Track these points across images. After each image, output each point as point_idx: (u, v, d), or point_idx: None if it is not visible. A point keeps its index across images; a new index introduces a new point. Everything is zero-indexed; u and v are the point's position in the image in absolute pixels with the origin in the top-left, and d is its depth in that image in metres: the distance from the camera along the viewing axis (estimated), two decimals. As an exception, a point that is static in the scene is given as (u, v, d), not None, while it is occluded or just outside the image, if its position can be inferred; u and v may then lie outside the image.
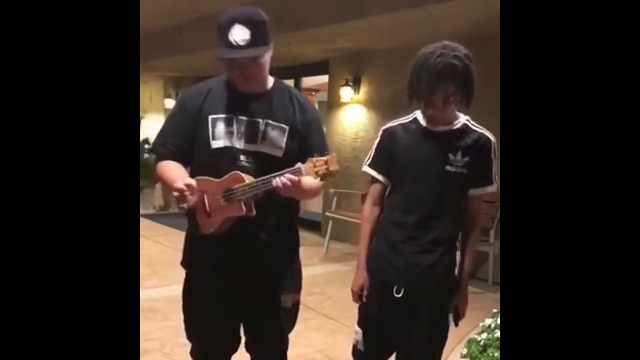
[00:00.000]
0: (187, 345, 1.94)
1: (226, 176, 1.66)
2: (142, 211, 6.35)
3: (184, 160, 1.77)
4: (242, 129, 1.71)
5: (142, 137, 7.33)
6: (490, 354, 2.60)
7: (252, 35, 1.59)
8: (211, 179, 1.69)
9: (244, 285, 1.80)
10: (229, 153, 1.71)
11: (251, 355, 1.95)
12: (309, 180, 1.58)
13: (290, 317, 1.90)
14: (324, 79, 6.64)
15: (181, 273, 1.91)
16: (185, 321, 1.91)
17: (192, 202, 1.64)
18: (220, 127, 1.71)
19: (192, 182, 1.63)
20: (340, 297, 4.09)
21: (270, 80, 1.79)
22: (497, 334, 2.65)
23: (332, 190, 5.73)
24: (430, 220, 1.80)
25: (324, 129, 7.31)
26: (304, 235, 6.31)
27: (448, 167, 1.77)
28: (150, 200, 7.64)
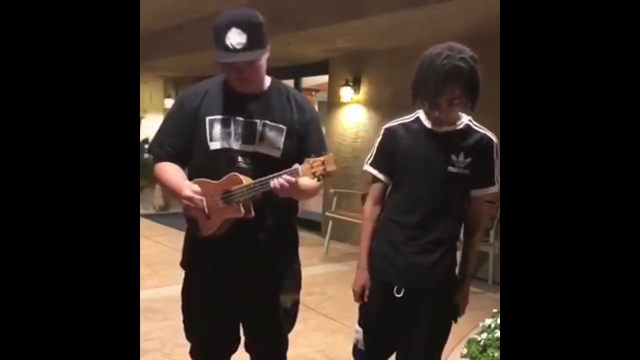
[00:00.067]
0: (187, 345, 1.94)
1: (224, 178, 1.67)
2: (142, 211, 6.35)
3: (182, 161, 1.77)
4: (240, 129, 1.71)
5: (142, 137, 7.33)
6: (490, 354, 2.60)
7: (249, 38, 1.59)
8: (209, 180, 1.69)
9: (243, 285, 1.80)
10: (226, 154, 1.71)
11: (251, 356, 1.95)
12: (307, 181, 1.58)
13: (289, 317, 1.90)
14: (324, 79, 6.64)
15: (181, 273, 1.91)
16: (184, 321, 1.91)
17: (201, 207, 1.65)
18: (218, 128, 1.71)
19: (198, 188, 1.65)
20: (340, 297, 4.09)
21: (268, 80, 1.78)
22: (497, 334, 2.65)
23: (332, 190, 5.73)
24: (432, 220, 1.80)
25: (324, 129, 7.28)
26: (304, 235, 6.29)
27: (450, 168, 1.77)
28: (150, 200, 7.64)
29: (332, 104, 6.38)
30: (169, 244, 5.30)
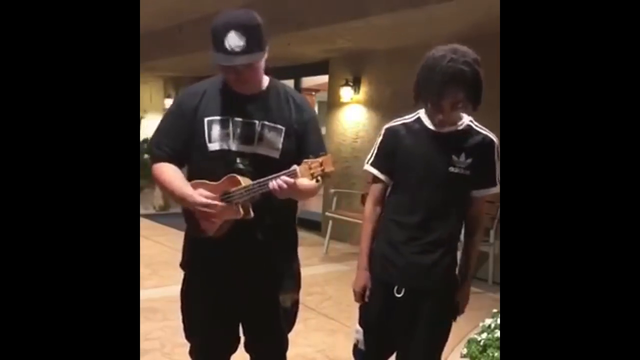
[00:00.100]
0: (187, 345, 1.94)
1: (223, 179, 1.67)
2: (142, 211, 6.35)
3: (179, 162, 1.77)
4: (239, 130, 1.71)
5: (142, 137, 7.33)
6: (490, 354, 2.60)
7: (247, 41, 1.59)
8: (208, 182, 1.69)
9: (243, 285, 1.80)
10: (225, 155, 1.70)
11: (250, 356, 1.95)
12: (305, 182, 1.59)
13: (289, 316, 1.90)
14: (324, 79, 6.64)
15: (181, 273, 1.91)
16: (183, 321, 1.91)
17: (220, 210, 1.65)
18: (216, 129, 1.71)
19: (206, 192, 1.66)
20: (340, 297, 4.09)
21: (266, 80, 1.78)
22: (497, 334, 2.65)
23: (332, 190, 5.74)
24: (433, 221, 1.80)
25: (324, 129, 7.26)
26: (304, 235, 6.26)
27: (451, 169, 1.77)
28: (150, 200, 7.64)
29: (332, 104, 6.38)
30: (169, 244, 5.30)
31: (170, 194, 1.75)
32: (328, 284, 4.47)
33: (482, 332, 2.79)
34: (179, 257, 1.90)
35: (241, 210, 1.64)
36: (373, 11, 4.27)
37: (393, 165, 1.86)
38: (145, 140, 7.55)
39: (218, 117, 1.72)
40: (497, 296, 3.64)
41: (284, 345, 1.94)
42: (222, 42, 1.59)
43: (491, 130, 1.84)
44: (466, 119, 1.82)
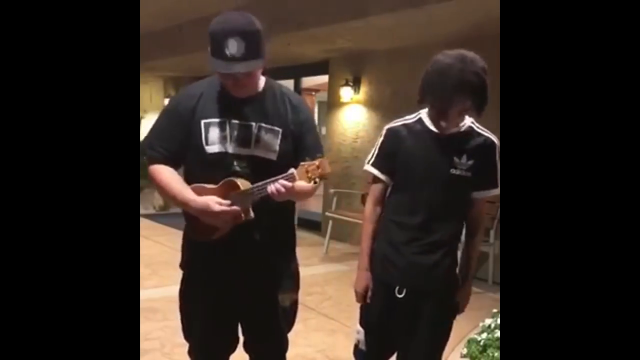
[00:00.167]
0: (187, 345, 1.94)
1: (221, 183, 1.67)
2: (142, 211, 6.35)
3: (175, 163, 1.77)
4: (235, 133, 1.70)
5: (142, 137, 7.32)
6: (490, 354, 2.60)
7: (247, 47, 1.57)
8: (206, 185, 1.69)
9: (241, 285, 1.80)
10: (223, 158, 1.70)
11: (250, 356, 1.95)
12: (303, 184, 1.59)
13: (288, 316, 1.90)
14: (324, 79, 6.64)
15: (181, 273, 1.91)
16: (182, 321, 1.91)
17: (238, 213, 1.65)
18: (213, 132, 1.70)
19: (217, 198, 1.65)
20: (340, 297, 4.09)
21: (262, 81, 1.77)
22: (497, 334, 2.65)
23: (332, 191, 5.73)
24: (434, 222, 1.80)
25: (324, 129, 7.24)
26: (304, 235, 6.27)
27: (453, 171, 1.77)
28: (150, 200, 7.64)
29: (332, 104, 6.38)
30: (169, 244, 5.30)
31: (171, 199, 1.74)
32: (328, 284, 4.48)
33: (482, 332, 2.79)
34: (179, 257, 1.90)
35: (241, 214, 1.65)
36: (373, 11, 4.27)
37: (394, 165, 1.86)
38: (146, 141, 7.55)
39: (215, 120, 1.71)
40: (497, 296, 3.64)
41: (283, 345, 1.94)
42: (221, 48, 1.57)
43: (491, 130, 1.84)
44: (467, 121, 1.82)
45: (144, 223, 5.86)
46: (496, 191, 1.83)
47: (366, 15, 4.34)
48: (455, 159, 1.77)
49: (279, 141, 1.72)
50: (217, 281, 1.80)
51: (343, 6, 4.51)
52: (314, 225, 6.57)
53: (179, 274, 1.91)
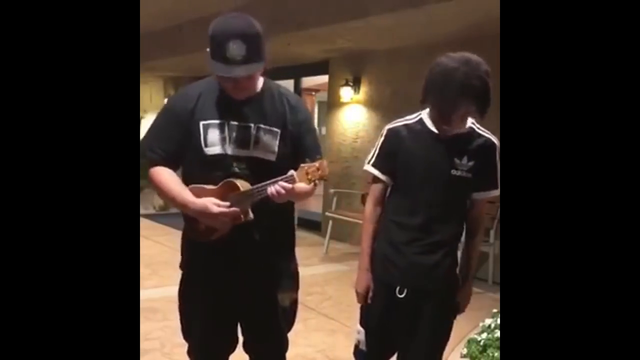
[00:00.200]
0: (187, 345, 1.94)
1: (221, 184, 1.67)
2: (142, 211, 6.35)
3: (174, 164, 1.77)
4: (234, 134, 1.70)
5: (142, 137, 7.32)
6: (490, 354, 2.60)
7: (248, 50, 1.57)
8: (206, 186, 1.69)
9: (241, 285, 1.80)
10: (222, 160, 1.70)
11: (250, 356, 1.95)
12: (302, 185, 1.59)
13: (288, 316, 1.90)
14: (324, 79, 6.64)
15: (181, 273, 1.91)
16: (181, 321, 1.91)
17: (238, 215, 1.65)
18: (212, 133, 1.70)
19: (216, 200, 1.65)
20: (340, 297, 4.09)
21: (260, 82, 1.77)
22: (497, 334, 2.65)
23: (332, 190, 5.73)
24: (434, 223, 1.80)
25: (324, 129, 7.22)
26: (304, 235, 6.26)
27: (454, 172, 1.77)
28: (150, 200, 7.64)
29: (332, 104, 6.39)
30: (169, 244, 5.30)
31: (170, 201, 1.73)
32: (328, 284, 4.48)
33: (482, 332, 2.79)
34: (179, 257, 1.90)
35: (241, 215, 1.65)
36: (373, 11, 4.27)
37: (394, 166, 1.85)
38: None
39: (214, 121, 1.71)
40: (497, 296, 3.64)
41: (283, 345, 1.94)
42: (222, 51, 1.57)
43: (491, 130, 1.84)
44: (468, 122, 1.82)
45: (144, 223, 5.86)
46: (496, 192, 1.83)
47: (366, 15, 4.34)
48: (456, 160, 1.77)
49: (277, 142, 1.72)
50: (217, 281, 1.80)
51: (343, 6, 4.51)
52: (314, 225, 6.57)
53: (178, 274, 1.91)
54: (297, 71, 6.93)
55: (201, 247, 1.78)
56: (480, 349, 2.68)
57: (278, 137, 1.72)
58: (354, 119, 6.08)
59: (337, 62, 6.27)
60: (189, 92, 1.78)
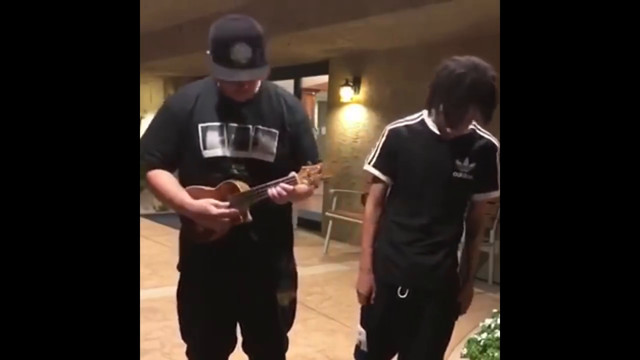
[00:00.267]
0: (186, 345, 1.94)
1: (220, 185, 1.67)
2: (142, 211, 6.34)
3: (172, 166, 1.76)
4: (233, 136, 1.70)
5: (141, 136, 7.31)
6: (490, 354, 2.60)
7: (253, 53, 1.56)
8: (205, 188, 1.69)
9: (239, 285, 1.80)
10: (221, 162, 1.69)
11: (249, 356, 1.95)
12: (303, 187, 1.60)
13: (287, 315, 1.90)
14: (324, 79, 6.64)
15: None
16: (180, 322, 1.91)
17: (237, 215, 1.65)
18: (211, 135, 1.70)
19: (214, 200, 1.64)
20: (340, 297, 4.09)
21: (258, 82, 1.76)
22: (497, 334, 2.65)
23: (332, 191, 5.73)
24: (435, 224, 1.80)
25: (324, 129, 7.22)
26: (304, 235, 6.26)
27: (455, 174, 1.77)
28: (150, 200, 7.62)
29: (332, 104, 6.39)
30: (169, 244, 5.29)
31: (168, 202, 1.73)
32: (328, 284, 4.47)
33: (482, 332, 2.79)
34: (178, 257, 1.90)
35: (240, 216, 1.65)
36: (373, 11, 4.27)
37: (395, 166, 1.85)
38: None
39: (213, 123, 1.70)
40: (497, 296, 3.64)
41: (283, 344, 1.94)
42: (225, 54, 1.56)
43: (490, 131, 1.84)
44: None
45: (144, 223, 5.85)
46: (496, 193, 1.83)
47: (366, 15, 4.34)
48: (458, 162, 1.77)
49: (276, 143, 1.72)
50: (215, 282, 1.80)
51: (343, 6, 4.51)
52: (314, 225, 6.56)
53: (178, 274, 1.91)
54: (297, 71, 6.93)
55: (199, 248, 1.77)
56: (480, 349, 2.68)
57: (276, 138, 1.72)
58: (354, 119, 6.08)
59: (337, 62, 6.27)
60: (187, 92, 1.78)
